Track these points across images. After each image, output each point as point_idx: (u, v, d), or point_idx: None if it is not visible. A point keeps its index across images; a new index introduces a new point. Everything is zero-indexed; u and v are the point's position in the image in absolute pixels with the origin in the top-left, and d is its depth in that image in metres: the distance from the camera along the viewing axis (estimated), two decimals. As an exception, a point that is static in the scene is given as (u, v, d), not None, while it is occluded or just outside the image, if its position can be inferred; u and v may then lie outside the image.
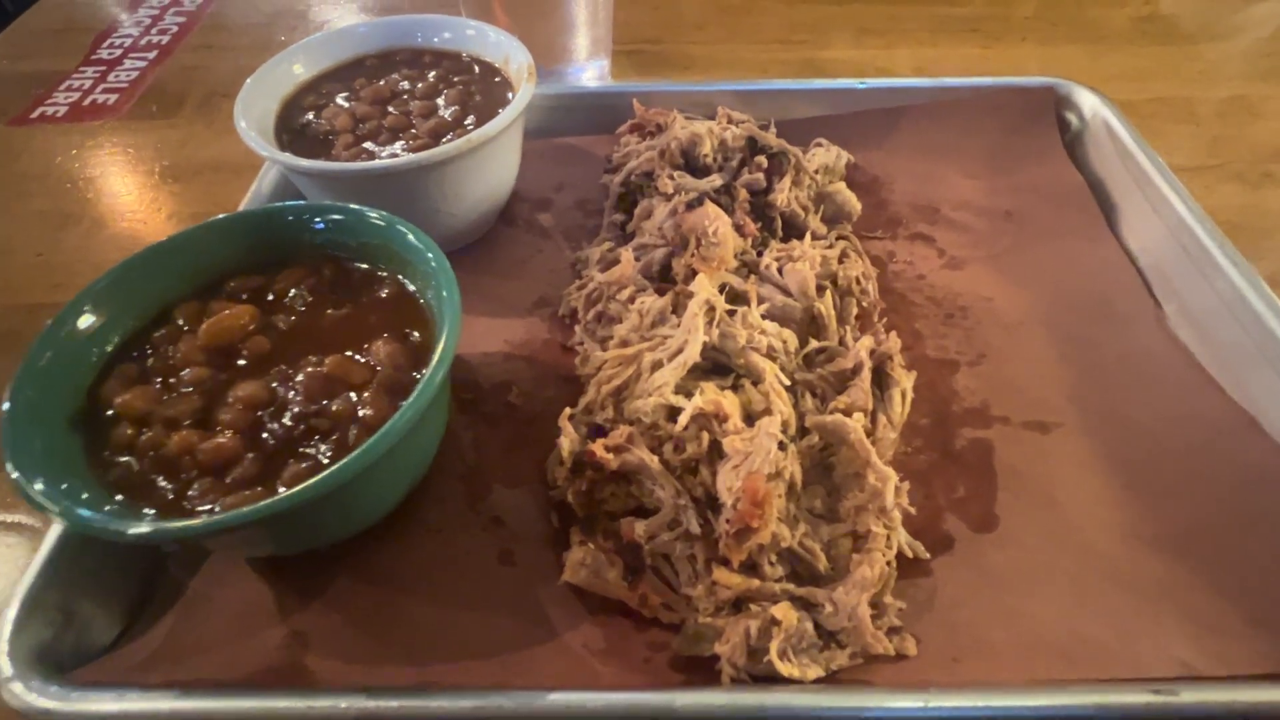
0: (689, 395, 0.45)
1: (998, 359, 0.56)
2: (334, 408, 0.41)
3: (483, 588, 0.45)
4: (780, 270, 0.55)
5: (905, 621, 0.42)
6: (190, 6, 1.07)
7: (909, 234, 0.67)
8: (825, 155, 0.69)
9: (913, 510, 0.44)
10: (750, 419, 0.45)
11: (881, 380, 0.50)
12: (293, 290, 0.48)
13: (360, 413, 0.41)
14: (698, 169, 0.61)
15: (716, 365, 0.49)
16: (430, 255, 0.46)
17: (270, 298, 0.48)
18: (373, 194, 0.56)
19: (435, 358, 0.41)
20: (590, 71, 0.83)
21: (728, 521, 0.39)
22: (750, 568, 0.41)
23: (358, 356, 0.44)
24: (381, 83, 0.65)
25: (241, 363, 0.44)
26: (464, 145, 0.54)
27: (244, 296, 0.48)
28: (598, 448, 0.42)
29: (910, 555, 0.45)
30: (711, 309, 0.48)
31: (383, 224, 0.48)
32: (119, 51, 0.97)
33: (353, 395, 0.42)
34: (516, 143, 0.63)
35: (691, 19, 1.00)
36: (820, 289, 0.54)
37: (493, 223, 0.68)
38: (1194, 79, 0.88)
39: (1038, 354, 0.57)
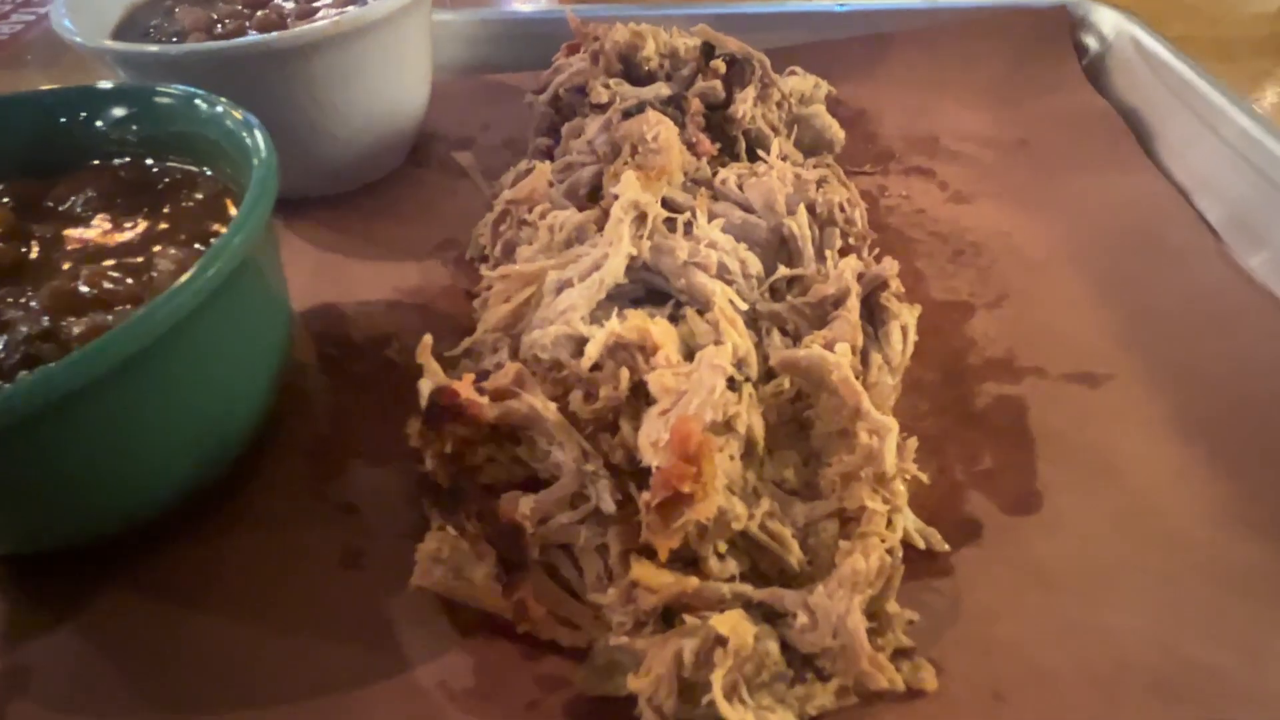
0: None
1: (1023, 300, 0.44)
2: (76, 330, 0.28)
3: (312, 600, 0.31)
4: (741, 187, 0.43)
5: (919, 641, 0.28)
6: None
7: (903, 168, 0.55)
8: (801, 82, 0.58)
9: (925, 478, 0.31)
10: (692, 356, 0.32)
11: (874, 313, 0.37)
12: (73, 198, 0.35)
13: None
14: (640, 79, 0.50)
15: (650, 292, 0.36)
16: (247, 135, 0.34)
17: (49, 204, 0.36)
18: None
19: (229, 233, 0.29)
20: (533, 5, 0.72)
21: (649, 489, 0.26)
22: (688, 562, 0.28)
23: (128, 275, 0.31)
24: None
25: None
26: (330, 29, 0.42)
27: (5, 201, 0.35)
28: (464, 387, 0.29)
29: (922, 546, 0.31)
30: (642, 215, 0.35)
31: (190, 103, 0.36)
32: (8, 6, 0.87)
33: (110, 318, 0.29)
34: (420, 48, 0.51)
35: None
36: (792, 210, 0.42)
37: (399, 161, 0.56)
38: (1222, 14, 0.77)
39: (1074, 294, 0.44)
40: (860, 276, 0.37)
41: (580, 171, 0.45)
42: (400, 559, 0.32)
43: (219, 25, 0.48)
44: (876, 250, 0.44)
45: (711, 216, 0.40)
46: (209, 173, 0.36)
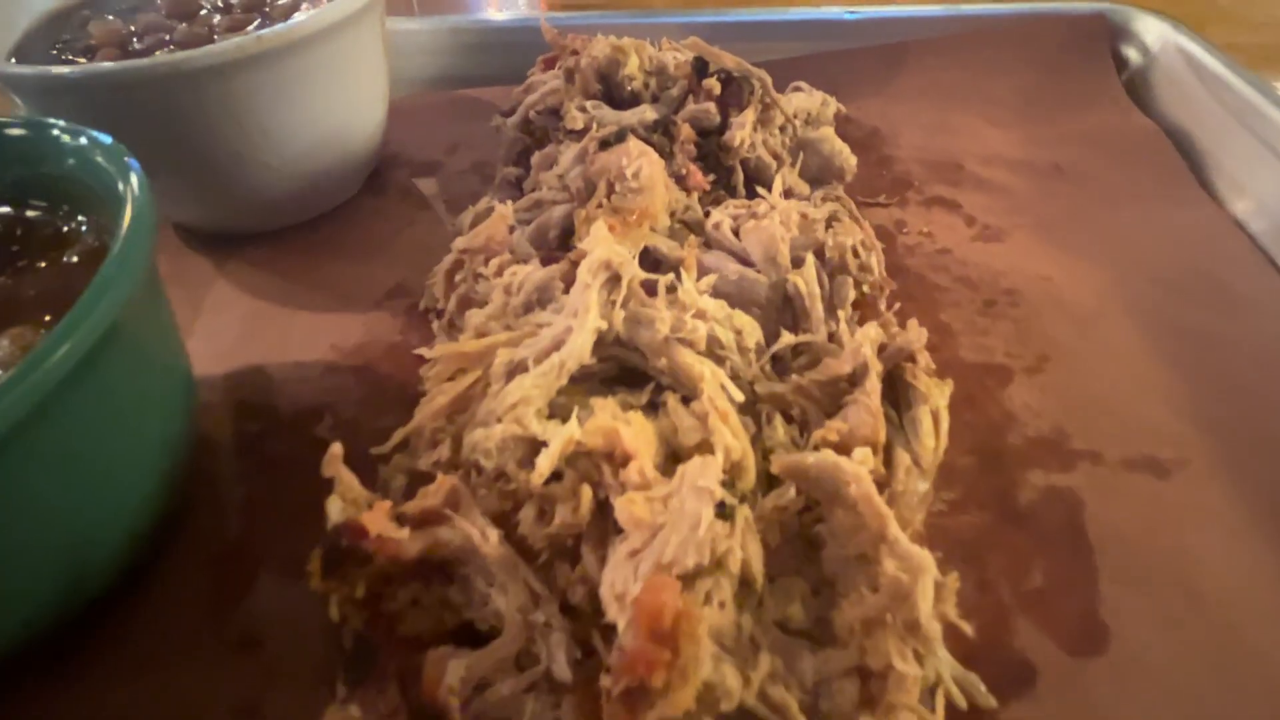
0: (569, 420, 0.26)
1: (1069, 363, 0.37)
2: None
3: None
4: (737, 232, 0.36)
5: None
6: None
7: (924, 199, 0.49)
8: (807, 100, 0.51)
9: (969, 630, 0.24)
10: (678, 461, 0.26)
11: (898, 392, 0.30)
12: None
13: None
14: (622, 100, 0.43)
15: (625, 369, 0.29)
16: (116, 173, 0.27)
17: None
18: (128, 125, 0.37)
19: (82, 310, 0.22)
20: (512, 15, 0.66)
21: (611, 671, 0.20)
22: (666, 748, 0.22)
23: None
24: (191, -5, 0.47)
25: None
26: (250, 46, 0.35)
27: None
28: (377, 518, 0.22)
29: (963, 705, 0.25)
30: (615, 276, 0.29)
31: (44, 136, 0.29)
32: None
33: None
34: (371, 63, 0.45)
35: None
36: (799, 263, 0.36)
37: (352, 190, 0.50)
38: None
39: (1130, 356, 0.37)
40: (881, 349, 0.30)
41: (550, 211, 0.38)
42: (305, 716, 0.25)
43: (135, 40, 0.42)
44: (897, 305, 0.37)
45: (702, 271, 0.33)
46: (81, 221, 0.30)
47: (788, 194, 0.44)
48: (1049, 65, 0.55)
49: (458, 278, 0.36)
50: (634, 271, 0.29)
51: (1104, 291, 0.41)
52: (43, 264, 0.28)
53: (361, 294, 0.43)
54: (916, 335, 0.31)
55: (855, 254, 0.39)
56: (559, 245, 0.38)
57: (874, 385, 0.29)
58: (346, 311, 0.42)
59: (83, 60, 0.41)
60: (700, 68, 0.44)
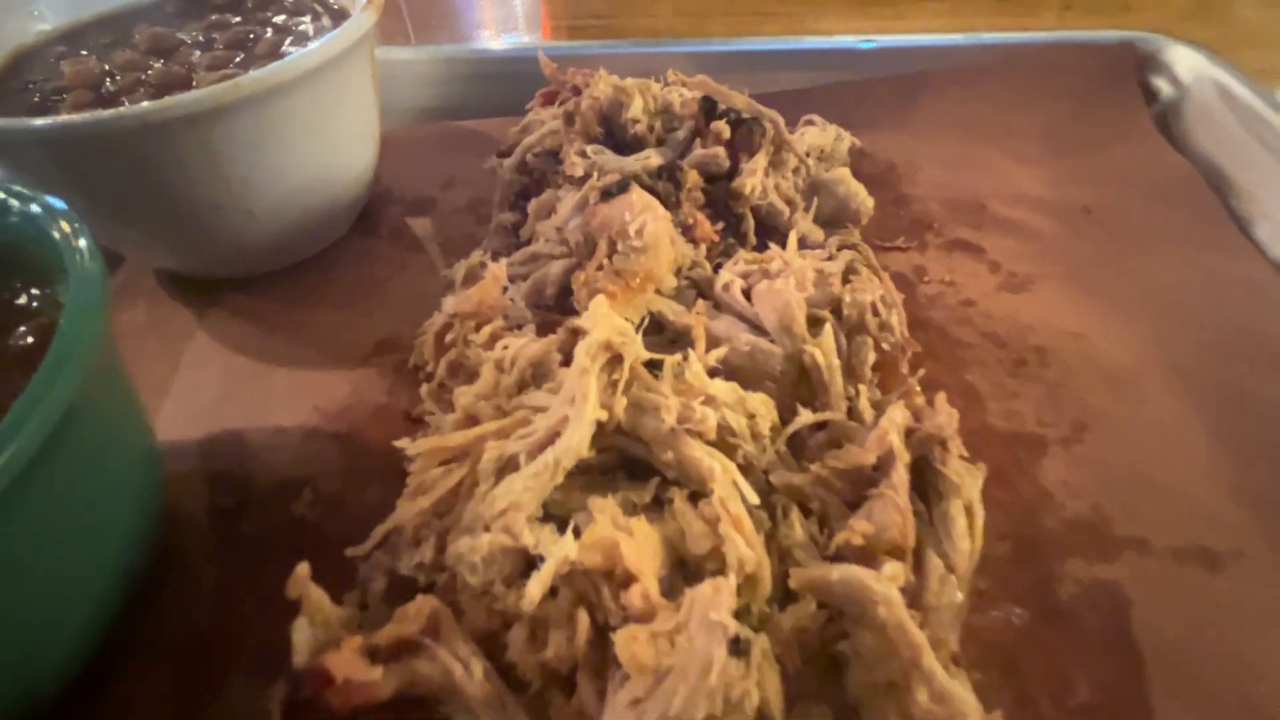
0: (566, 523, 0.23)
1: (1108, 433, 0.35)
2: None
3: None
4: (749, 294, 0.34)
5: None
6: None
7: (944, 242, 0.46)
8: (819, 135, 0.49)
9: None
10: (685, 572, 0.23)
11: (926, 481, 0.28)
12: None
13: None
14: (626, 143, 0.41)
15: (627, 460, 0.27)
16: (61, 240, 0.25)
17: None
18: (98, 177, 0.35)
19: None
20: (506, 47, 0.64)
21: None
22: None
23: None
24: (174, 25, 0.44)
25: None
26: (225, 94, 0.33)
27: None
28: (345, 660, 0.20)
29: None
30: (615, 357, 0.26)
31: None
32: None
33: None
34: (360, 102, 0.42)
35: (651, -8, 0.81)
36: (815, 322, 0.33)
37: (341, 231, 0.47)
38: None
39: (1172, 423, 0.35)
40: (909, 433, 0.28)
41: (547, 266, 0.36)
42: None
43: (109, 80, 0.40)
44: (921, 371, 0.35)
45: (711, 341, 0.31)
46: (35, 294, 0.27)
47: (801, 242, 0.41)
48: (1075, 98, 0.52)
49: (448, 338, 0.34)
50: (637, 352, 0.26)
51: (1141, 350, 0.38)
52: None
53: (348, 347, 0.40)
54: (948, 418, 0.28)
55: (875, 311, 0.36)
56: (556, 303, 0.36)
57: (901, 479, 0.26)
58: (332, 368, 0.39)
59: (58, 98, 0.38)
60: (708, 108, 0.41)
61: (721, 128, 0.39)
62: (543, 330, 0.32)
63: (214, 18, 0.45)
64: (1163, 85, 0.52)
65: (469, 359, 0.33)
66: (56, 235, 0.26)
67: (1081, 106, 0.52)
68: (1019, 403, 0.36)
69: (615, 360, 0.26)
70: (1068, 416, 0.35)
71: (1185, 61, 0.52)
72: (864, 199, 0.44)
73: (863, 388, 0.31)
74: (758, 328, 0.32)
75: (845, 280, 0.38)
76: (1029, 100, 0.53)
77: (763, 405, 0.28)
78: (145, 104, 0.32)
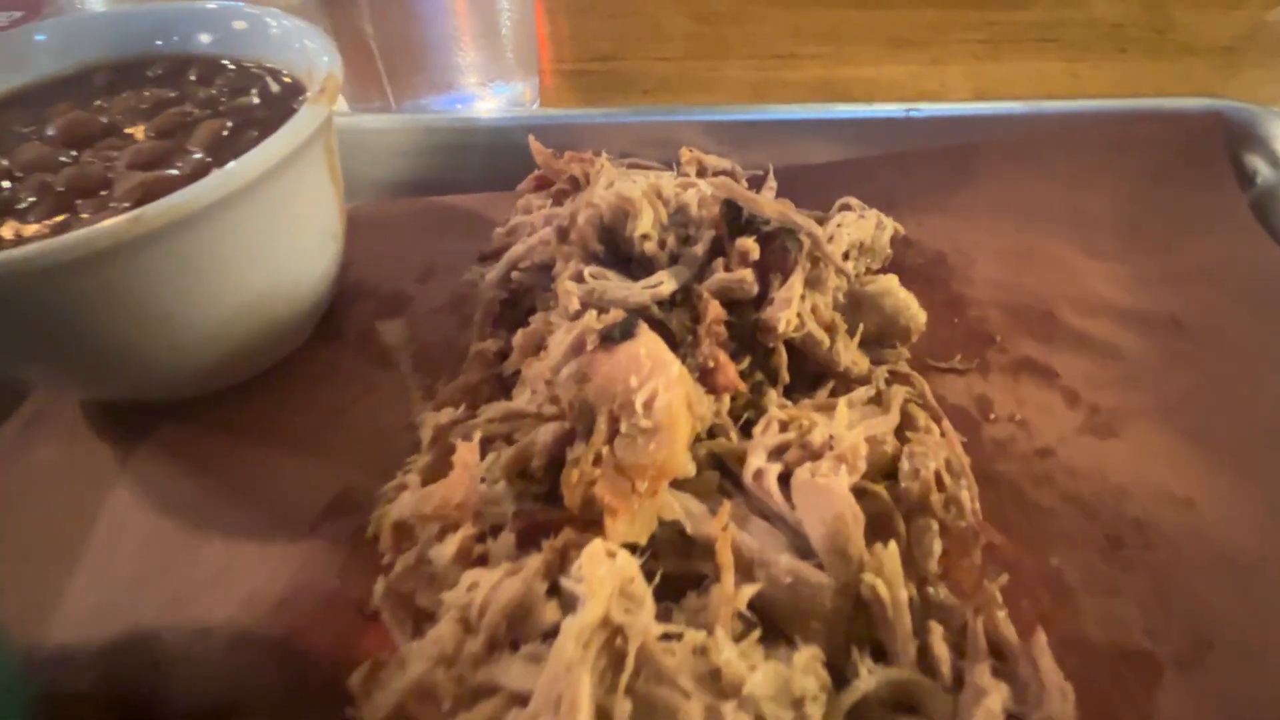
0: None
1: (1236, 650, 0.27)
2: None
3: None
4: (786, 479, 0.27)
5: None
6: None
7: (1009, 361, 0.39)
8: (858, 227, 0.42)
9: None
10: None
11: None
12: None
13: None
14: (633, 259, 0.34)
15: (632, 775, 0.20)
16: None
17: None
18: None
19: None
20: (499, 99, 0.57)
21: None
22: None
23: None
24: (99, 105, 0.38)
25: None
26: (125, 230, 0.26)
27: None
28: None
29: None
30: (617, 632, 0.19)
31: None
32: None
33: None
34: (316, 202, 0.35)
35: (661, 29, 0.74)
36: (862, 493, 0.26)
37: (300, 340, 0.40)
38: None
39: (1319, 641, 0.28)
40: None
41: (534, 432, 0.29)
42: None
43: (9, 180, 0.33)
44: (1004, 578, 0.27)
45: (741, 564, 0.24)
46: None
47: (843, 377, 0.35)
48: (1154, 177, 0.45)
49: (405, 536, 0.27)
50: (646, 628, 0.19)
51: (1267, 526, 0.31)
52: None
53: (295, 507, 0.33)
54: (1059, 698, 0.21)
55: (940, 484, 0.29)
56: (544, 475, 0.29)
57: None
58: (273, 537, 0.32)
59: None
60: (732, 215, 0.34)
61: (749, 247, 0.32)
62: (526, 537, 0.25)
63: (147, 93, 0.39)
64: (1260, 165, 0.45)
65: (431, 566, 0.26)
66: None
67: (1162, 188, 0.45)
68: (1120, 603, 0.29)
69: (615, 635, 0.19)
70: (1183, 625, 0.28)
71: (1286, 137, 0.44)
72: (915, 313, 0.37)
73: (936, 632, 0.24)
74: (798, 536, 0.25)
75: (901, 436, 0.31)
76: (1099, 179, 0.45)
77: (814, 680, 0.21)
78: (26, 248, 0.25)
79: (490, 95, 0.55)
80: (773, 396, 0.32)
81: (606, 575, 0.20)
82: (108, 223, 0.26)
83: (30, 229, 0.30)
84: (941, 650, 0.24)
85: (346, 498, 0.34)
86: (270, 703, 0.27)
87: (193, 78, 0.40)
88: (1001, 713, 0.21)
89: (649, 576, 0.22)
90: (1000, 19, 0.72)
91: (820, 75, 0.65)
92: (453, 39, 0.52)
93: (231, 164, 0.29)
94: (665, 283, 0.32)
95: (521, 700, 0.20)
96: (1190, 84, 0.62)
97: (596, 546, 0.20)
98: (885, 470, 0.31)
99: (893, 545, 0.24)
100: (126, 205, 0.31)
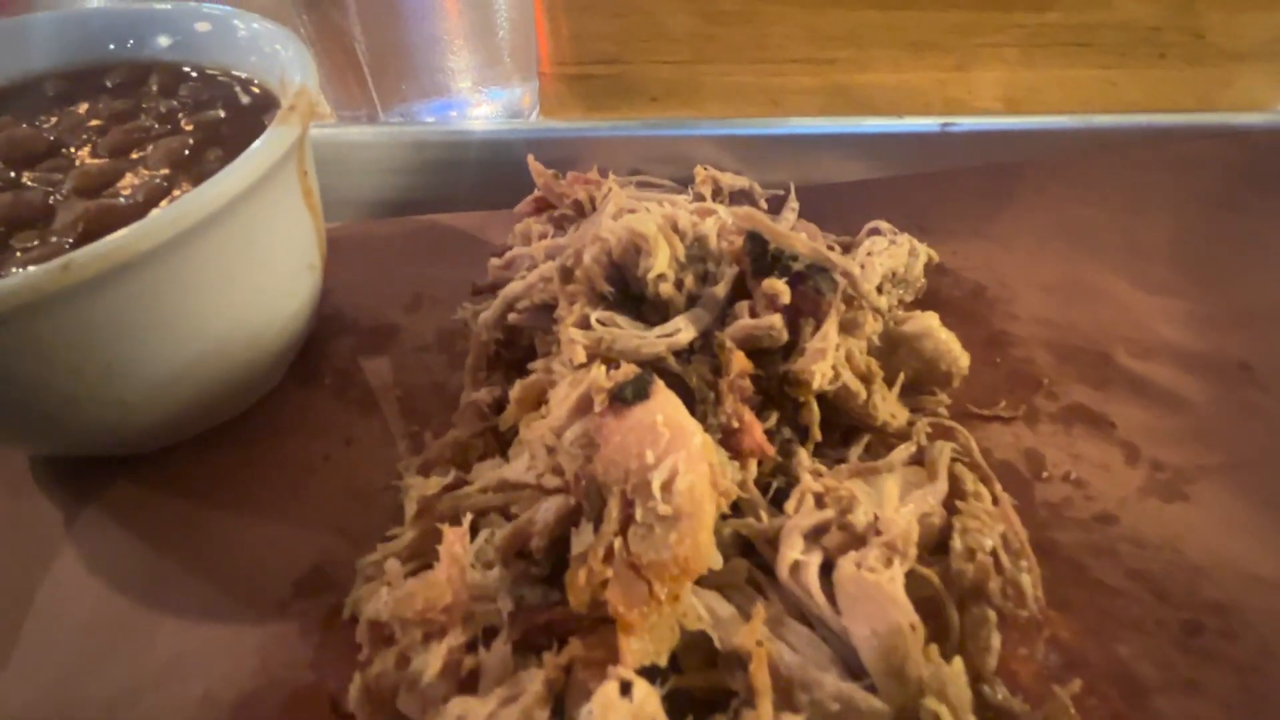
0: None
1: (1344, 771, 0.24)
2: None
3: None
4: (829, 570, 0.23)
5: None
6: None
7: (1059, 409, 0.35)
8: (891, 255, 0.38)
9: None
10: None
11: None
12: None
13: None
14: (644, 300, 0.30)
15: None
16: None
17: None
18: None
19: None
20: (495, 105, 0.52)
21: None
22: None
23: None
24: (44, 122, 0.34)
25: None
26: (50, 282, 0.22)
27: None
28: None
29: None
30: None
31: None
32: None
33: None
34: (292, 233, 0.31)
35: (666, 30, 0.70)
36: (925, 611, 0.22)
37: (272, 383, 0.36)
38: None
39: None
40: None
41: (534, 510, 0.25)
42: None
43: (-65, 211, 0.29)
44: (1077, 684, 0.24)
45: (780, 685, 0.20)
46: None
47: (879, 431, 0.31)
48: (1213, 201, 0.41)
49: (386, 638, 0.23)
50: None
51: (1364, 612, 0.27)
52: None
53: (261, 583, 0.29)
54: None
55: (997, 566, 0.26)
56: (547, 560, 0.25)
57: None
58: (236, 619, 0.28)
59: None
60: (757, 250, 0.30)
61: (778, 290, 0.28)
62: (524, 641, 0.21)
63: (102, 105, 0.35)
64: (1328, 188, 0.41)
65: (413, 672, 0.22)
66: None
67: (1226, 215, 0.41)
68: (1202, 703, 0.26)
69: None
70: (1278, 732, 0.25)
71: (1359, 158, 0.40)
72: (956, 356, 0.34)
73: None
74: (843, 641, 0.22)
75: (952, 508, 0.27)
76: (1155, 204, 0.41)
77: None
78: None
79: (485, 101, 0.51)
80: (803, 458, 0.28)
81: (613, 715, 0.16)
82: (32, 271, 0.22)
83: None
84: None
85: (320, 572, 0.30)
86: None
87: (153, 88, 0.36)
88: None
89: (666, 697, 0.19)
90: (1027, 21, 0.68)
91: (839, 81, 0.61)
92: (444, 40, 0.48)
93: (184, 196, 0.25)
94: (683, 330, 0.28)
95: None
96: (1236, 92, 0.58)
97: (609, 689, 0.17)
98: (932, 545, 0.27)
99: (958, 663, 0.21)
100: (69, 242, 0.27)
